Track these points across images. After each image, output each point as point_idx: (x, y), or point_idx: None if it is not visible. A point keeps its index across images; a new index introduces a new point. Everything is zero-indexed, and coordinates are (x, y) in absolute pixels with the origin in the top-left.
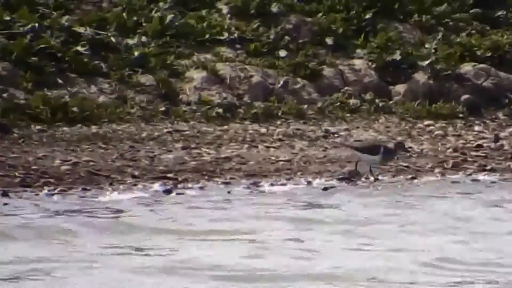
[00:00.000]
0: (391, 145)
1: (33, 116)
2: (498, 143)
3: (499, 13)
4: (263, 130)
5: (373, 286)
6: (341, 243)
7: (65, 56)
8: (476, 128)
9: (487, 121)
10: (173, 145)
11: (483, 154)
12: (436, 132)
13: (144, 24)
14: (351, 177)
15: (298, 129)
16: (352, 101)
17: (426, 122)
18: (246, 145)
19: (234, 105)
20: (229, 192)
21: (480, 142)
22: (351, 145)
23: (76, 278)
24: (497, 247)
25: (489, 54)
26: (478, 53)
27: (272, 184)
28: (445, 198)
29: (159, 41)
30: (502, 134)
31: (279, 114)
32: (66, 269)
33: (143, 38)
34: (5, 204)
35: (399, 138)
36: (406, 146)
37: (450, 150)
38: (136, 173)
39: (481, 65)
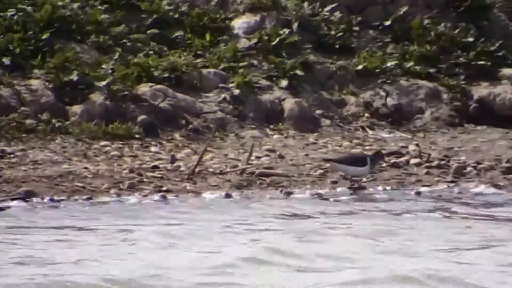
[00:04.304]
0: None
1: None
2: (174, 164)
3: (177, 34)
4: None
5: None
6: None
7: None
8: (153, 149)
9: (164, 142)
10: None
11: (159, 175)
12: (113, 153)
13: None
14: (26, 197)
15: None
16: (28, 121)
17: (103, 143)
18: None
19: None
20: None
21: (156, 163)
22: (336, 160)
23: None
24: None
25: (166, 74)
26: (156, 73)
27: None
28: None
29: None
30: (178, 155)
31: None
32: None
33: None
34: None
35: (75, 159)
36: (384, 155)
37: (126, 171)
38: None
39: (158, 86)
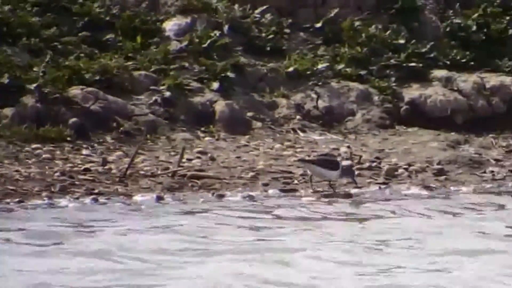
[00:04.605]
0: (346, 163)
1: None
2: (106, 167)
3: (108, 36)
4: None
5: None
6: None
7: None
8: (84, 151)
9: (95, 145)
10: None
11: (91, 178)
12: (44, 156)
13: None
14: None
15: None
16: None
17: (34, 146)
18: None
19: None
20: None
21: (88, 165)
22: (308, 159)
23: None
24: None
25: (98, 77)
26: (87, 76)
27: None
28: None
29: None
30: (110, 158)
31: None
32: None
33: None
34: None
35: (7, 162)
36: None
37: (58, 173)
38: None
39: (90, 88)
